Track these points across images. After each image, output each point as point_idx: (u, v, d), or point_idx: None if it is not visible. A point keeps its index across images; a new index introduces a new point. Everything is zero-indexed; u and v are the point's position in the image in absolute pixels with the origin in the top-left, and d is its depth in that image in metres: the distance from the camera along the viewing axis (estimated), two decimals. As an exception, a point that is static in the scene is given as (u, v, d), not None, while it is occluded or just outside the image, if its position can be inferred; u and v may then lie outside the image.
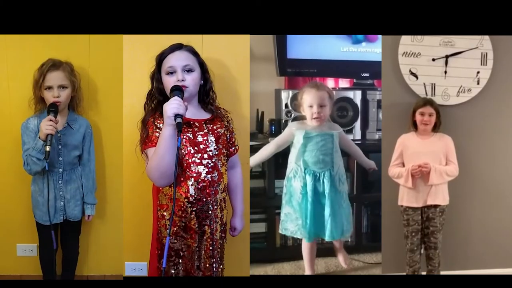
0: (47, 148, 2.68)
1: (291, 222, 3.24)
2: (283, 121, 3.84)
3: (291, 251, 3.81)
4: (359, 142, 3.88)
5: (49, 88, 2.87)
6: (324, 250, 3.57)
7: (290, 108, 3.82)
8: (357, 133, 3.93)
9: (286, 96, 3.84)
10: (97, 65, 3.21)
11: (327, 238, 3.23)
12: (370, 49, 3.94)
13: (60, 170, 2.97)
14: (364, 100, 3.96)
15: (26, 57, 3.09)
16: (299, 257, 3.54)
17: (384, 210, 3.62)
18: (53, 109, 2.80)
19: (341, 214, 3.22)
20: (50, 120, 2.71)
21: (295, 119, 3.77)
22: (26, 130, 2.90)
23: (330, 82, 4.25)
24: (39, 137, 2.73)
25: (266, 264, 3.71)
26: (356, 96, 3.94)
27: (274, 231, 3.80)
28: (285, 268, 3.66)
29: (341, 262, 3.48)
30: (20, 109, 3.04)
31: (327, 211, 3.17)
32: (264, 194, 3.80)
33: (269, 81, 4.05)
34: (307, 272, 3.40)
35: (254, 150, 3.50)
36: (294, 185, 3.22)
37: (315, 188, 3.17)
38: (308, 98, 3.17)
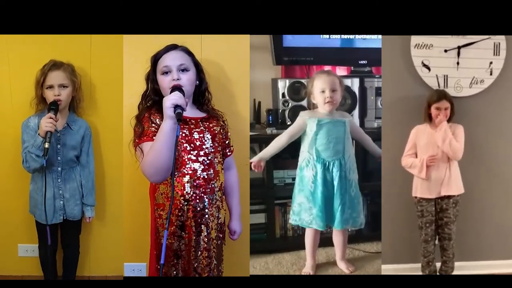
0: (46, 145, 2.69)
1: (305, 212, 3.23)
2: (280, 110, 3.83)
3: (291, 241, 3.83)
4: (358, 130, 3.85)
5: (50, 87, 2.90)
6: (325, 239, 3.54)
7: (287, 97, 3.80)
8: (356, 121, 3.88)
9: (283, 85, 3.82)
10: (98, 65, 3.20)
11: (336, 226, 3.24)
12: (368, 36, 3.91)
13: (59, 169, 2.98)
14: (362, 87, 3.94)
15: (28, 57, 3.09)
16: (300, 247, 3.55)
17: (384, 199, 3.61)
18: (54, 107, 2.81)
19: (351, 203, 3.23)
20: (50, 118, 2.73)
21: (292, 108, 3.77)
22: (27, 129, 2.92)
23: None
24: (38, 134, 2.74)
25: (267, 255, 3.70)
26: (354, 84, 3.93)
27: (274, 221, 3.80)
28: (286, 259, 3.65)
29: (344, 270, 3.46)
30: (22, 109, 3.03)
31: (336, 200, 3.18)
32: (263, 185, 3.79)
33: (265, 70, 4.03)
34: (308, 261, 3.40)
35: (251, 140, 3.47)
36: (306, 174, 3.21)
37: (325, 176, 3.17)
38: (319, 83, 3.16)
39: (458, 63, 3.56)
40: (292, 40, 3.85)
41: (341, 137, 3.20)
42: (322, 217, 3.17)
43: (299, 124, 3.23)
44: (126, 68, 3.04)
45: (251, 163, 3.17)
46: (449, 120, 3.35)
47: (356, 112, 3.92)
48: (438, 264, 3.44)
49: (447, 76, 3.57)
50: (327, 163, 3.17)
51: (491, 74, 3.60)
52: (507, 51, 3.60)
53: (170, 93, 2.22)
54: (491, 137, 3.67)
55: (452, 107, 3.34)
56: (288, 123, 3.73)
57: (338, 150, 3.19)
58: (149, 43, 2.62)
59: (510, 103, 3.69)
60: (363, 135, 3.42)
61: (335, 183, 3.17)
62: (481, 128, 3.64)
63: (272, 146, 3.24)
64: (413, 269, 3.53)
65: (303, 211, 3.24)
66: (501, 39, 3.57)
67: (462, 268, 3.56)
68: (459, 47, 3.55)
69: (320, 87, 3.16)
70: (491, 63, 3.60)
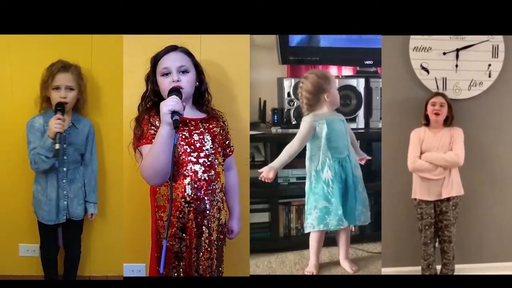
0: (57, 146, 2.71)
1: (330, 215, 3.16)
2: (285, 110, 3.82)
3: (295, 240, 3.81)
4: (363, 130, 3.85)
5: (57, 88, 2.91)
6: (328, 239, 3.50)
7: (292, 96, 3.79)
8: (361, 121, 3.90)
9: (288, 84, 3.81)
10: (99, 65, 3.20)
11: (350, 223, 3.24)
12: (374, 37, 3.87)
13: (65, 169, 2.99)
14: (368, 88, 3.92)
15: (28, 57, 3.11)
16: (303, 246, 3.55)
17: (384, 200, 3.61)
18: (60, 108, 2.83)
19: (361, 199, 3.23)
20: (58, 119, 2.74)
21: (297, 107, 3.76)
22: (32, 129, 2.92)
23: (333, 70, 4.20)
24: (48, 136, 2.75)
25: (270, 254, 3.69)
26: (359, 84, 3.90)
27: (278, 220, 3.80)
28: (289, 258, 3.64)
29: (347, 270, 3.44)
30: (23, 109, 3.06)
31: (350, 196, 3.18)
32: (267, 184, 3.75)
33: (271, 69, 4.05)
34: (312, 260, 3.38)
35: (256, 139, 3.47)
36: (325, 176, 3.17)
37: (341, 175, 3.16)
38: (335, 85, 3.25)
39: (456, 66, 3.57)
40: (298, 40, 3.84)
41: (344, 134, 3.21)
42: (342, 216, 3.14)
43: (307, 128, 3.17)
44: (126, 68, 3.05)
45: (260, 172, 3.10)
46: (448, 123, 3.34)
47: (361, 112, 3.89)
48: (439, 267, 3.44)
49: (445, 78, 3.57)
50: (340, 160, 3.16)
51: (489, 76, 3.61)
52: (506, 53, 3.59)
53: (168, 95, 2.22)
54: (490, 139, 3.67)
55: (450, 109, 3.33)
56: (293, 123, 3.74)
57: (345, 147, 3.19)
58: (149, 43, 2.63)
59: (509, 105, 3.69)
60: (352, 136, 3.37)
61: (349, 179, 3.17)
62: (480, 130, 3.63)
63: (284, 155, 3.15)
64: (414, 272, 3.53)
65: (327, 215, 3.17)
66: (499, 41, 3.57)
67: (463, 270, 3.58)
68: (457, 50, 3.55)
69: (336, 87, 3.23)
70: (489, 65, 3.60)
